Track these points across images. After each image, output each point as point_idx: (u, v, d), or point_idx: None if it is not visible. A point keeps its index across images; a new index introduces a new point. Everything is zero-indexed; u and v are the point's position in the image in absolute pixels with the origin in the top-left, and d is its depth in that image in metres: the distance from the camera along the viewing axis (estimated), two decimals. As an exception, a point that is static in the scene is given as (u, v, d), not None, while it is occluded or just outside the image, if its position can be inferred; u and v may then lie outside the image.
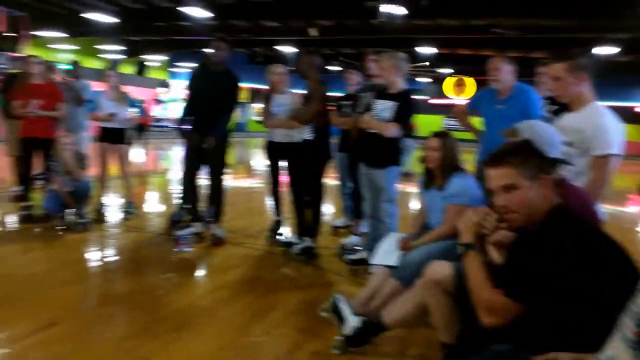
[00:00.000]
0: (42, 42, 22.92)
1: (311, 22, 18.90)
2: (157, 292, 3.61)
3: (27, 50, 19.90)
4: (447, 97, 24.00)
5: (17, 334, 2.82)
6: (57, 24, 21.56)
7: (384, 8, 11.48)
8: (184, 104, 5.03)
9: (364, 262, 3.94)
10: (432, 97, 26.81)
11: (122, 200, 6.01)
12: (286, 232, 5.10)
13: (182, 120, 4.87)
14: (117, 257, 4.59)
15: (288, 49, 24.57)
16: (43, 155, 5.36)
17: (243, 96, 36.10)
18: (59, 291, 3.53)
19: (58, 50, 25.60)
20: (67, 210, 5.08)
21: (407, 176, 8.01)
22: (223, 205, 4.95)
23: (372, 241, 3.86)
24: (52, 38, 23.05)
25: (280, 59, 28.25)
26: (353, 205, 4.92)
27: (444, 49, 18.51)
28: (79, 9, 20.17)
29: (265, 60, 26.88)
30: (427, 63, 21.45)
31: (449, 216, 2.96)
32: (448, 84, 23.65)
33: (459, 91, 22.79)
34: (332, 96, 4.60)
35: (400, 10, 11.34)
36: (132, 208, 5.86)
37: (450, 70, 23.66)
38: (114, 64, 28.72)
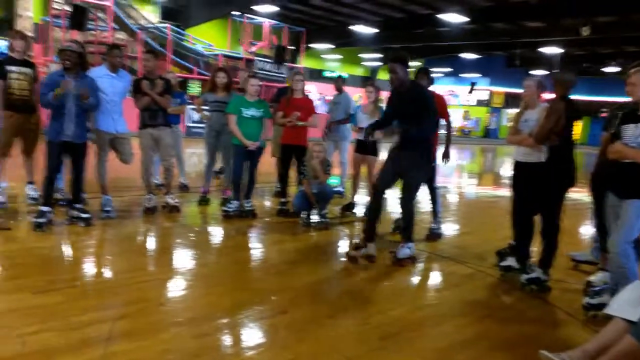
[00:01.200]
0: (314, 54, 26.00)
1: (586, 19, 17.04)
2: (370, 297, 3.80)
3: (302, 61, 22.91)
4: None
5: (251, 316, 3.33)
6: (327, 36, 24.17)
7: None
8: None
9: (604, 307, 3.44)
10: None
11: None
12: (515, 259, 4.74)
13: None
14: (341, 259, 4.85)
15: (552, 50, 22.68)
16: (297, 159, 6.13)
17: (497, 101, 34.68)
18: (296, 282, 3.99)
19: (327, 60, 28.67)
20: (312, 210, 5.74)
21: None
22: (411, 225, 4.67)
23: (615, 285, 3.35)
24: (323, 49, 25.92)
25: (541, 60, 26.22)
26: (599, 238, 4.32)
27: None
28: (346, 21, 22.24)
29: (523, 63, 25.28)
30: None
31: None
32: None
33: None
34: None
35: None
36: (354, 209, 6.30)
37: None
38: (373, 72, 30.82)
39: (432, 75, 5.53)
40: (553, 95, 4.19)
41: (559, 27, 19.04)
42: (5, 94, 5.10)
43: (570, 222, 4.30)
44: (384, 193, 4.64)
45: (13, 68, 5.20)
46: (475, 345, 3.12)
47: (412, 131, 4.40)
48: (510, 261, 4.40)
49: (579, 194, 4.59)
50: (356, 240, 4.87)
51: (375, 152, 6.15)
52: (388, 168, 4.63)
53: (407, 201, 4.57)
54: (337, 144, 7.23)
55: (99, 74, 5.28)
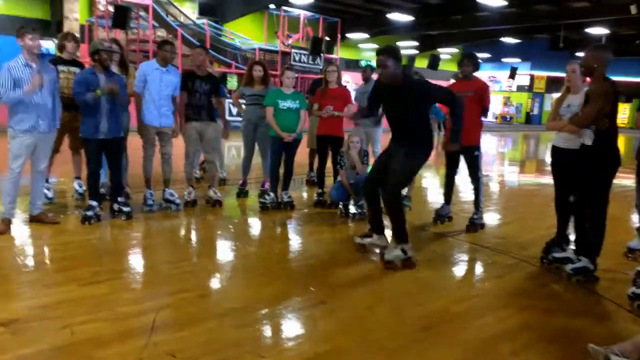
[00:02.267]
0: (350, 44, 25.82)
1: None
2: (409, 289, 3.77)
3: (338, 52, 22.80)
4: None
5: (290, 307, 3.35)
6: (362, 25, 23.94)
7: None
8: None
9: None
10: None
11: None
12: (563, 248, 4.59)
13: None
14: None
15: (599, 31, 21.75)
16: (332, 150, 6.11)
17: (539, 86, 33.64)
18: (334, 273, 4.00)
19: (363, 49, 28.42)
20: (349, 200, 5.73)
21: None
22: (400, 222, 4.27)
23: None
24: (359, 39, 25.71)
25: (586, 42, 25.16)
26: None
27: None
28: (382, 9, 21.96)
29: (567, 45, 24.36)
30: None
31: None
32: None
33: None
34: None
35: None
36: (408, 201, 6.21)
37: None
38: (411, 60, 30.37)
39: (478, 60, 5.39)
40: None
41: (605, 6, 18.24)
42: None
43: (620, 209, 4.11)
44: (374, 185, 4.35)
45: (62, 68, 5.38)
46: (518, 337, 3.05)
47: (412, 127, 4.17)
48: (569, 253, 4.24)
49: (628, 180, 4.38)
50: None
51: None
52: (379, 162, 4.41)
53: (392, 195, 4.16)
54: (368, 135, 7.10)
55: (150, 68, 5.42)
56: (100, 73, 4.87)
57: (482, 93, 5.27)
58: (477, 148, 5.33)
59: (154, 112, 5.40)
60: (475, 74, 5.40)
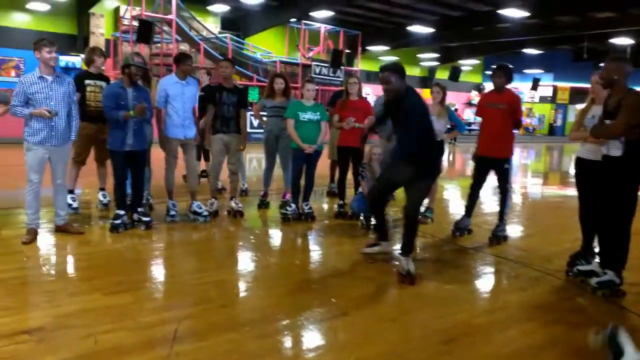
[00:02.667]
0: (371, 56, 25.89)
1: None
2: (432, 301, 3.73)
3: (359, 64, 22.87)
4: None
5: (311, 318, 3.34)
6: (383, 38, 24.02)
7: None
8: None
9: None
10: None
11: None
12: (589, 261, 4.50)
13: None
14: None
15: (624, 41, 21.43)
16: (353, 162, 6.11)
17: (562, 97, 33.18)
18: (355, 284, 3.98)
19: (384, 61, 28.44)
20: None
21: None
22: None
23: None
24: (379, 51, 25.78)
25: (611, 53, 24.79)
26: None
27: None
28: (402, 22, 22.02)
29: (591, 56, 24.04)
30: None
31: None
32: None
33: None
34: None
35: None
36: (430, 213, 6.16)
37: None
38: (431, 72, 30.30)
39: (511, 72, 5.29)
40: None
41: (630, 16, 17.95)
42: (82, 106, 5.39)
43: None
44: (382, 195, 4.52)
45: (89, 81, 5.53)
46: (543, 352, 2.99)
47: (412, 145, 4.11)
48: (594, 266, 4.14)
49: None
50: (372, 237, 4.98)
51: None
52: (387, 175, 4.50)
53: (414, 211, 4.24)
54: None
55: (170, 82, 5.52)
56: (128, 87, 4.98)
57: (514, 106, 5.16)
58: (508, 161, 5.25)
59: (179, 124, 5.48)
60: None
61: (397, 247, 4.55)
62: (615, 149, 3.76)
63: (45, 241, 4.75)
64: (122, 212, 5.10)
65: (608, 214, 3.93)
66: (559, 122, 33.07)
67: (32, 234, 4.67)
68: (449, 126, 6.55)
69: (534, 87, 28.88)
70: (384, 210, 4.61)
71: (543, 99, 32.39)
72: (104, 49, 8.16)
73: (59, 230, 4.93)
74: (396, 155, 4.42)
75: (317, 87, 6.15)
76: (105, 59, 5.87)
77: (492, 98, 5.28)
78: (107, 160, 5.82)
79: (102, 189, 6.08)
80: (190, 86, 5.57)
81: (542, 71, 29.91)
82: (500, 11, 17.83)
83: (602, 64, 4.14)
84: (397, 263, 4.28)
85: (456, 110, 22.66)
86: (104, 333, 2.92)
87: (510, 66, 5.33)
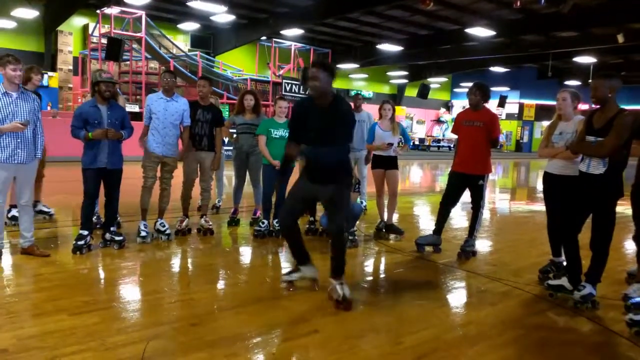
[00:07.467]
0: (341, 74, 26.17)
1: (621, 26, 16.69)
2: (402, 317, 3.74)
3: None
4: None
5: (282, 336, 3.33)
6: (352, 56, 24.35)
7: None
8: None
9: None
10: None
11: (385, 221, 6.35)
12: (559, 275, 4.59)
13: None
14: (371, 277, 4.91)
15: (587, 60, 22.23)
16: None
17: (528, 114, 34.16)
18: (326, 301, 3.92)
19: (354, 79, 28.82)
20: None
21: None
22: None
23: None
24: (349, 69, 26.10)
25: (574, 70, 25.72)
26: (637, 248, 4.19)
27: None
28: (373, 40, 22.40)
29: (556, 74, 24.86)
30: None
31: None
32: None
33: None
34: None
35: None
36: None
37: None
38: (400, 89, 30.78)
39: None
40: (584, 106, 4.09)
41: (593, 35, 18.67)
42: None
43: (618, 236, 4.12)
44: (294, 217, 4.10)
45: None
46: (513, 364, 3.03)
47: (327, 155, 3.76)
48: (563, 281, 4.17)
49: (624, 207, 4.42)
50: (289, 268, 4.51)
51: (396, 165, 6.15)
52: (297, 196, 4.03)
53: (339, 227, 3.87)
54: (356, 159, 7.14)
55: (154, 98, 5.50)
56: (102, 105, 4.91)
57: (490, 124, 5.15)
58: (483, 177, 5.28)
59: (159, 140, 5.44)
60: (465, 102, 5.41)
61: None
62: (596, 167, 3.79)
63: (9, 262, 4.61)
64: (85, 233, 4.96)
65: (577, 229, 3.99)
66: (525, 139, 33.95)
67: (-6, 256, 4.52)
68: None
69: (501, 104, 29.65)
70: (297, 230, 4.15)
71: (510, 116, 33.25)
72: (71, 67, 8.05)
73: (25, 252, 4.77)
74: (311, 167, 3.91)
75: (289, 105, 6.19)
76: (42, 77, 5.82)
77: (468, 116, 5.29)
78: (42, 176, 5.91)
79: (37, 202, 6.01)
80: (176, 103, 5.53)
81: (508, 89, 30.75)
82: (467, 30, 18.33)
83: (566, 82, 4.26)
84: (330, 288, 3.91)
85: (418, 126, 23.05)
86: (70, 355, 2.84)
87: (486, 85, 5.28)
